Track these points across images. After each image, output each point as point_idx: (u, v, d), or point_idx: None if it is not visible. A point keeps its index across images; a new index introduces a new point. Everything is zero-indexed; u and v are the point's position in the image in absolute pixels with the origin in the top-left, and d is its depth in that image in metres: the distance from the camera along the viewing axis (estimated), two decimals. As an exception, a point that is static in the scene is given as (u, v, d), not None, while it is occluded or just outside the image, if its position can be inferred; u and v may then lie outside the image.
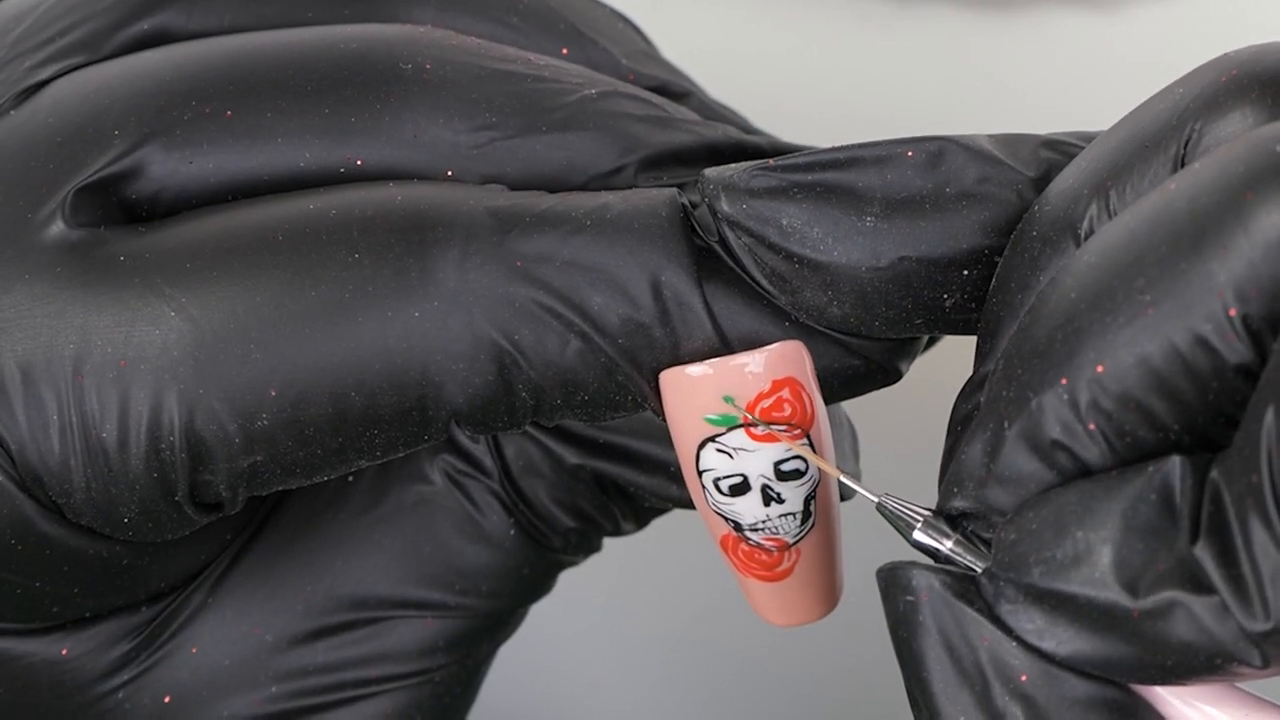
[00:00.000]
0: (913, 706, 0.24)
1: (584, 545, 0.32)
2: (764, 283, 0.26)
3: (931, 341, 0.29)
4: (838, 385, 0.27)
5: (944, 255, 0.26)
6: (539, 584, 0.33)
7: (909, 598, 0.24)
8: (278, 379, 0.26)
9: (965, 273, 0.26)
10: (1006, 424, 0.23)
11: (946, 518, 0.25)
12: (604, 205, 0.27)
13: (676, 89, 0.30)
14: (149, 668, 0.30)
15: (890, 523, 0.25)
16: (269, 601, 0.31)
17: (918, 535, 0.25)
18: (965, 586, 0.24)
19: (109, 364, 0.26)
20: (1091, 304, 0.23)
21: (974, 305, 0.26)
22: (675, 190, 0.27)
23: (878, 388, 0.28)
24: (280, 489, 0.27)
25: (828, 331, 0.26)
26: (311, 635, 0.31)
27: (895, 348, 0.27)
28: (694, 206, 0.27)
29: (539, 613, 0.56)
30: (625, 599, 0.55)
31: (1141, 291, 0.22)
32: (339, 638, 0.31)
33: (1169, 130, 0.24)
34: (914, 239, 0.26)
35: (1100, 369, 0.22)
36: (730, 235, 0.26)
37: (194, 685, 0.30)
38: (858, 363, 0.27)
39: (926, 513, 0.25)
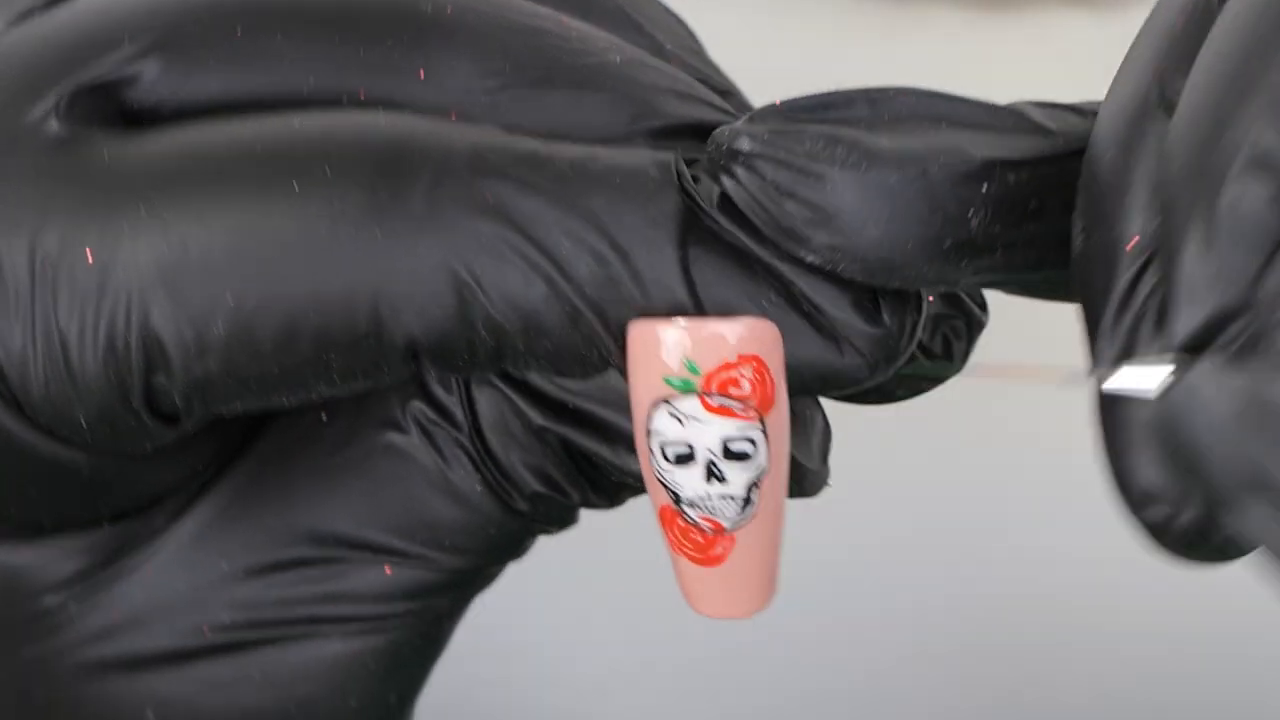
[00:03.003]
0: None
1: (554, 515, 0.32)
2: (774, 232, 0.25)
3: (924, 383, 0.28)
4: (809, 378, 0.26)
5: (964, 166, 0.25)
6: (506, 547, 0.32)
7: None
8: (234, 286, 0.26)
9: (984, 188, 0.25)
10: (1209, 205, 0.22)
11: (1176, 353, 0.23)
12: (591, 155, 0.26)
13: (718, 85, 0.30)
14: (103, 583, 0.30)
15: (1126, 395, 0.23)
16: (229, 530, 0.30)
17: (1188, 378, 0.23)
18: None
19: (78, 258, 0.26)
20: (1230, 89, 0.22)
21: (997, 227, 0.25)
22: (674, 153, 0.26)
23: (851, 387, 0.27)
24: (239, 409, 0.27)
25: (813, 310, 0.26)
26: (269, 568, 0.30)
27: (881, 342, 0.26)
28: (695, 179, 0.26)
29: (542, 620, 0.56)
30: (628, 608, 0.55)
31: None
32: (296, 572, 0.30)
33: None
34: (933, 151, 0.25)
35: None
36: (745, 178, 0.25)
37: (146, 605, 0.30)
38: (833, 356, 0.26)
39: (1170, 357, 0.23)
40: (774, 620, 0.58)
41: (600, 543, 0.56)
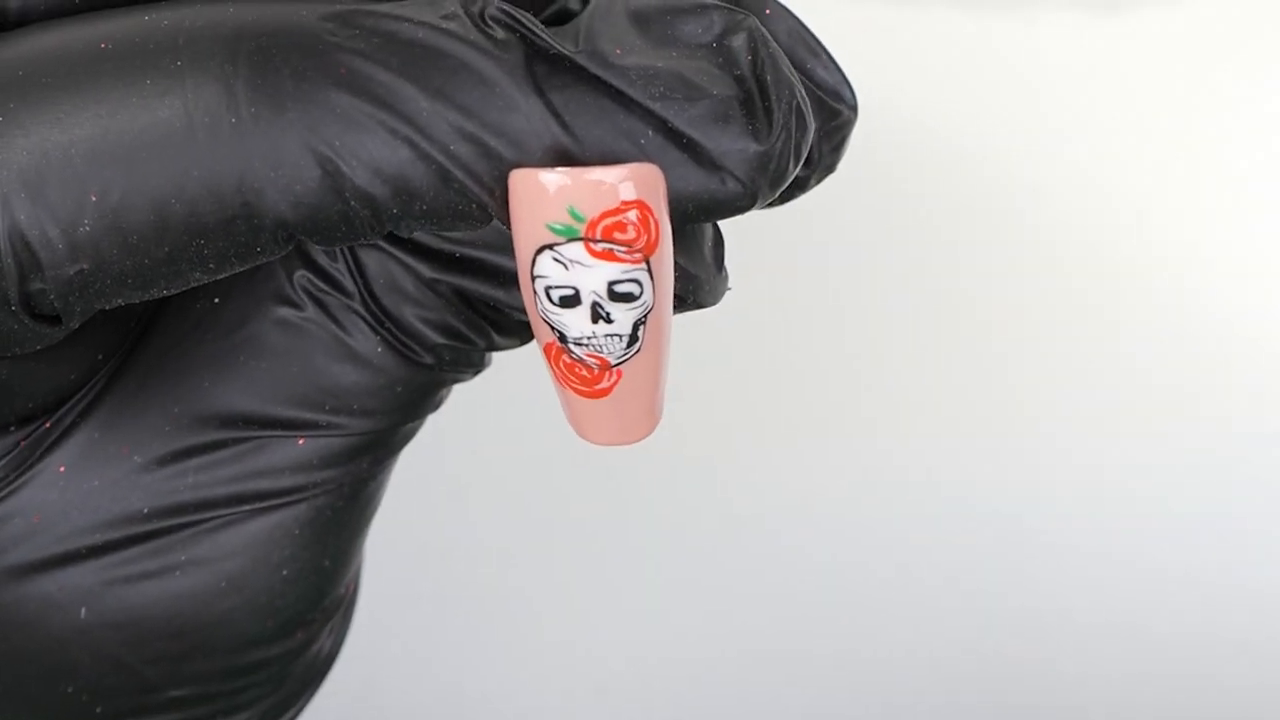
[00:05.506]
0: None
1: (463, 361, 0.32)
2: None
3: (798, 185, 0.28)
4: (694, 210, 0.26)
5: None
6: (418, 401, 0.32)
7: None
8: (97, 184, 0.26)
9: None
10: None
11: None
12: (445, 15, 0.26)
13: None
14: (18, 488, 0.30)
15: None
16: (137, 421, 0.30)
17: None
18: None
19: None
20: None
21: None
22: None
23: (737, 213, 0.26)
24: (120, 303, 0.27)
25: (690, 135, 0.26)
26: (181, 454, 0.31)
27: (760, 164, 0.26)
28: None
29: (539, 620, 0.57)
30: (626, 608, 0.56)
31: None
32: (209, 456, 0.31)
33: None
34: None
35: None
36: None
37: (63, 505, 0.30)
38: (715, 186, 0.26)
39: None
40: (774, 621, 0.58)
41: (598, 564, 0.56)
